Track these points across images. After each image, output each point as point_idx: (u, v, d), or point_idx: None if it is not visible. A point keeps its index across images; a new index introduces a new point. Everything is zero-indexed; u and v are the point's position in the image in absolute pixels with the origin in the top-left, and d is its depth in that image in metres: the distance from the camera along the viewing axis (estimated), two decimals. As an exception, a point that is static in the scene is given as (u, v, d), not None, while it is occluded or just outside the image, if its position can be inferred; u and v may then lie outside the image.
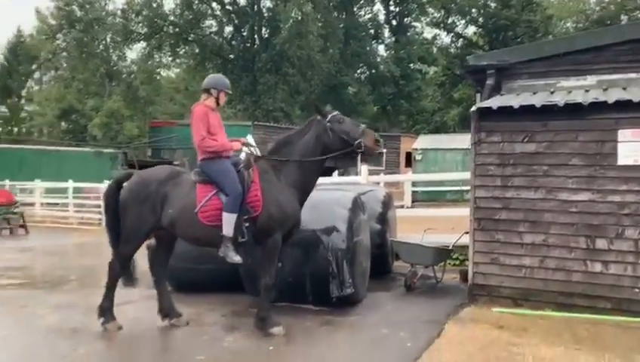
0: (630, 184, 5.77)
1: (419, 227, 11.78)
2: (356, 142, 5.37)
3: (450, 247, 7.57)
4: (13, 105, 49.23)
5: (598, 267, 5.89)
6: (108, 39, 30.90)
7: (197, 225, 5.23)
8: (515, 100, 6.32)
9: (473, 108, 6.38)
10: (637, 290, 5.72)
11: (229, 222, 5.19)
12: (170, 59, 38.06)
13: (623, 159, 5.81)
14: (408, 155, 28.95)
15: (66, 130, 28.68)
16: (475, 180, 6.48)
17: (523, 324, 5.62)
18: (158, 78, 45.32)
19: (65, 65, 29.46)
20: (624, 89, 6.20)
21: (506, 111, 6.20)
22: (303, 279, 6.09)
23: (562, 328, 5.48)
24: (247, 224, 5.26)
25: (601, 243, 5.89)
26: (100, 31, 29.48)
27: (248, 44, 34.31)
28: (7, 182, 18.74)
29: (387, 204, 8.20)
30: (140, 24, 32.60)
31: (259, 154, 5.79)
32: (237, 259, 5.23)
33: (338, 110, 5.77)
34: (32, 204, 18.38)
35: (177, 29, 33.31)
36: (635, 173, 5.75)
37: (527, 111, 6.11)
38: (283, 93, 33.72)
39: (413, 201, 19.10)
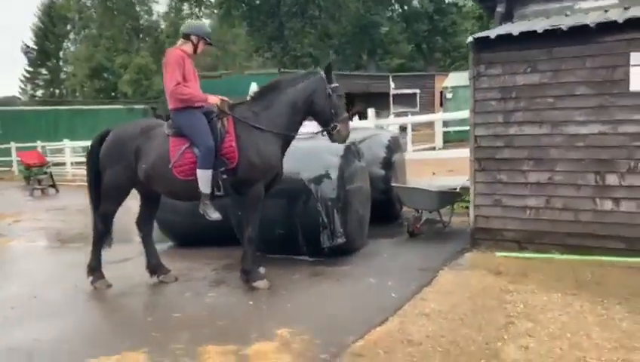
0: (644, 112, 5.21)
1: (444, 169, 11.49)
2: (334, 123, 5.19)
3: (458, 190, 7.19)
4: (52, 68, 50.31)
5: (608, 205, 5.43)
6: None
7: (172, 179, 5.07)
8: (517, 27, 5.74)
9: (470, 39, 5.84)
10: (651, 228, 5.25)
11: (203, 179, 5.01)
12: (197, 9, 37.71)
13: (636, 85, 5.22)
14: (442, 95, 27.97)
15: (98, 89, 29.04)
16: (475, 117, 6.02)
17: (524, 269, 5.29)
18: None
19: (92, 24, 29.49)
20: (648, 6, 5.54)
21: (506, 40, 5.66)
22: (295, 230, 5.91)
23: (566, 272, 5.12)
24: (225, 176, 5.07)
25: (611, 179, 5.40)
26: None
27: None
28: (38, 143, 19.20)
29: (392, 148, 7.83)
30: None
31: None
32: (215, 216, 5.08)
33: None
34: (63, 164, 18.82)
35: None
36: (650, 100, 5.18)
37: (529, 38, 5.56)
38: (311, 38, 32.89)
39: (445, 142, 18.47)
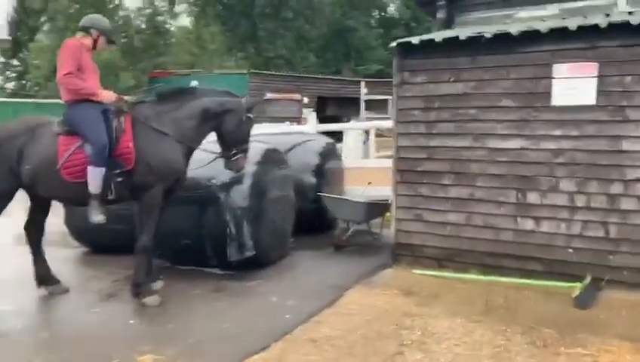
0: (566, 128, 4.95)
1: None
2: (235, 150, 4.99)
3: (390, 201, 6.86)
4: (24, 60, 48.99)
5: (529, 224, 5.16)
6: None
7: (60, 182, 4.65)
8: (442, 34, 5.45)
9: (393, 44, 5.54)
10: (571, 251, 4.99)
11: (94, 178, 4.60)
12: (170, 5, 37.03)
13: (557, 99, 4.96)
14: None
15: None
16: (398, 127, 5.71)
17: (438, 290, 4.99)
18: (167, 27, 44.23)
19: (59, 16, 28.71)
20: (585, 17, 5.30)
21: (430, 47, 5.37)
22: (203, 241, 5.52)
23: (478, 294, 4.82)
24: (120, 179, 4.67)
25: (532, 197, 5.13)
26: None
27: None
28: None
29: (326, 155, 7.50)
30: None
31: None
32: (99, 218, 4.68)
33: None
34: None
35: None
36: (571, 115, 4.92)
37: (454, 46, 5.27)
38: (286, 40, 32.51)
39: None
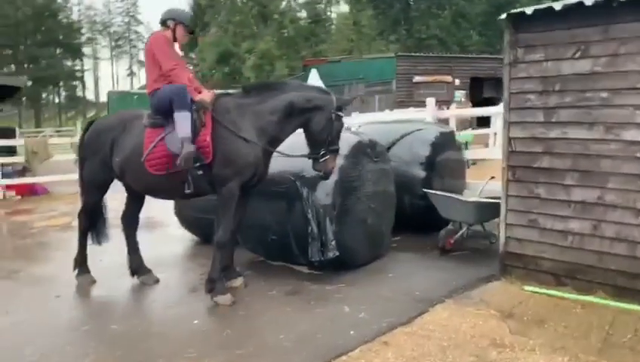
0: None
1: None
2: (324, 150, 4.63)
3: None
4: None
5: (678, 239, 3.99)
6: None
7: (144, 174, 4.67)
8: (564, 0, 4.42)
9: (503, 16, 4.64)
10: None
11: (181, 122, 4.48)
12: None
13: None
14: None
15: (226, 74, 30.30)
16: (510, 115, 4.80)
17: (547, 314, 4.10)
18: (328, 14, 45.42)
19: (222, 10, 30.75)
20: None
21: (549, 17, 4.40)
22: (288, 238, 5.23)
23: (599, 325, 3.85)
24: (200, 172, 4.56)
25: (684, 205, 3.94)
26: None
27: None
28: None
29: (440, 145, 6.72)
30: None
31: None
32: (190, 148, 4.46)
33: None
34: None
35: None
36: None
37: (579, 13, 4.24)
38: (440, 20, 31.05)
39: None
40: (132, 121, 4.86)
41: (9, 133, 13.15)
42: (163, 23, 4.88)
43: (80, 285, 5.24)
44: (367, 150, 5.47)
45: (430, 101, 7.92)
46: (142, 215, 5.43)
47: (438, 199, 5.98)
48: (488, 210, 5.79)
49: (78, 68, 65.20)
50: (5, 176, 11.96)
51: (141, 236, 5.44)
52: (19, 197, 11.65)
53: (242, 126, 4.55)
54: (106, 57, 75.39)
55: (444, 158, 6.79)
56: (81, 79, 66.39)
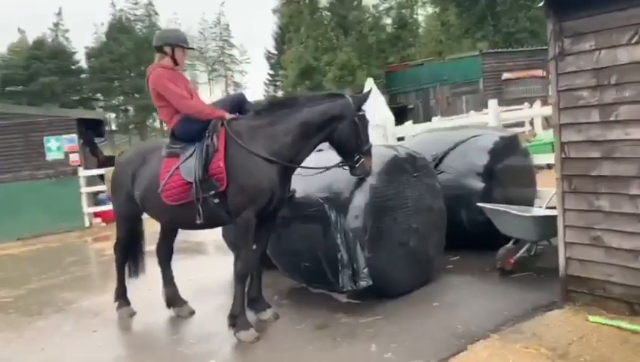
0: None
1: None
2: (358, 155, 4.40)
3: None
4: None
5: None
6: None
7: (162, 206, 4.55)
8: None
9: (541, 3, 3.99)
10: None
11: None
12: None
13: None
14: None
15: (308, 88, 30.49)
16: (561, 116, 4.11)
17: (613, 353, 3.40)
18: (415, 17, 44.55)
19: (302, 26, 31.02)
20: None
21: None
22: (321, 265, 4.86)
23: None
24: (216, 200, 4.35)
25: None
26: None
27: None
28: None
29: (502, 152, 6.03)
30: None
31: None
32: None
33: None
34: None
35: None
36: None
37: (635, -12, 3.52)
38: (530, 11, 29.18)
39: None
40: (151, 153, 4.77)
41: (113, 162, 14.02)
42: (159, 49, 4.68)
43: (120, 317, 5.23)
44: (404, 165, 4.97)
45: (492, 103, 7.19)
46: (190, 238, 5.33)
47: (493, 213, 5.31)
48: (553, 225, 5.03)
49: (178, 93, 69.12)
50: (100, 203, 12.68)
51: (185, 262, 5.37)
52: (104, 224, 12.26)
53: (255, 150, 4.28)
54: (203, 81, 79.38)
55: (506, 166, 6.08)
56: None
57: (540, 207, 5.68)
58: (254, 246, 4.57)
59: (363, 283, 4.54)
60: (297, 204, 4.87)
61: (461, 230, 5.84)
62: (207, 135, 4.44)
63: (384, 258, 4.69)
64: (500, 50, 25.58)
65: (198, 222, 4.40)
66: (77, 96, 55.25)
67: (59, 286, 7.01)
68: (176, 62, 4.68)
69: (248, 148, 4.28)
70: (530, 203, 6.30)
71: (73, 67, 55.52)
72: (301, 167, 4.50)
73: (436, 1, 34.93)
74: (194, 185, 4.28)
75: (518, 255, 5.20)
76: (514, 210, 5.33)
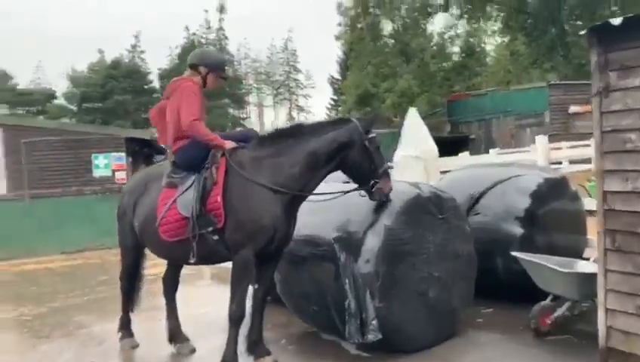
0: None
1: None
2: (373, 180, 4.10)
3: None
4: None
5: None
6: (400, 19, 31.18)
7: (159, 241, 4.29)
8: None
9: (583, 31, 3.48)
10: None
11: None
12: (475, 24, 36.19)
13: None
14: None
15: (365, 114, 30.20)
16: (604, 161, 3.55)
17: None
18: (483, 46, 43.75)
19: (362, 53, 30.86)
20: None
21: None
22: (329, 310, 4.44)
23: None
24: (215, 237, 4.06)
25: None
26: (391, 10, 30.00)
27: (553, -10, 29.33)
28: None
29: (543, 195, 5.42)
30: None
31: None
32: None
33: None
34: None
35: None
36: None
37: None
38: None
39: None
40: (153, 181, 4.51)
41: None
42: (193, 67, 4.46)
43: (122, 349, 5.01)
44: (427, 205, 4.50)
45: (541, 140, 6.57)
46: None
47: (530, 265, 4.72)
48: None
49: (243, 115, 70.83)
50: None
51: (197, 292, 5.11)
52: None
53: (259, 181, 3.96)
54: (268, 104, 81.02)
55: (551, 210, 5.46)
56: (244, 125, 72.09)
57: (588, 260, 5.03)
58: (256, 286, 4.25)
59: (371, 337, 4.09)
60: (307, 241, 4.51)
61: (496, 279, 5.28)
62: (206, 166, 4.17)
63: (398, 309, 4.22)
64: (568, 82, 24.30)
65: (191, 261, 4.11)
66: (148, 115, 57.75)
67: (79, 306, 6.94)
68: (205, 84, 4.45)
69: (248, 184, 3.97)
70: (578, 253, 5.63)
71: (146, 87, 58.03)
72: (313, 193, 4.16)
73: (505, 30, 33.80)
74: (190, 220, 4.00)
75: (556, 314, 4.57)
76: (554, 262, 4.72)
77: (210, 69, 4.44)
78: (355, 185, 4.21)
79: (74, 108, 53.91)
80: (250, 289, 4.23)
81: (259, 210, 3.93)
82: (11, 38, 68.79)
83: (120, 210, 4.79)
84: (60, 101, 56.61)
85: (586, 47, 3.57)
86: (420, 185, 4.70)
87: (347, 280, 4.18)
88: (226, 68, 4.62)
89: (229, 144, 4.24)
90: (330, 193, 4.24)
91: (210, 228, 4.02)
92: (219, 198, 3.99)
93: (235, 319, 4.02)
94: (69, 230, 11.62)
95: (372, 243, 4.17)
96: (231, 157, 4.14)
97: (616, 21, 3.22)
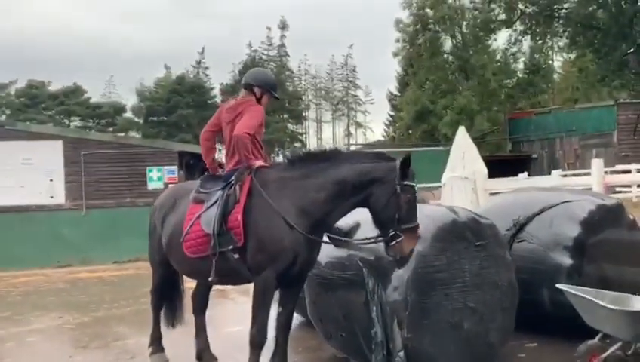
0: None
1: None
2: (395, 231, 3.69)
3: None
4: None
5: None
6: (460, 35, 30.67)
7: (183, 257, 4.25)
8: None
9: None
10: None
11: None
12: (540, 41, 35.12)
13: None
14: None
15: (423, 131, 29.78)
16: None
17: None
18: (549, 62, 42.67)
19: (420, 70, 30.55)
20: None
21: None
22: (357, 337, 4.26)
23: None
24: (236, 256, 3.98)
25: None
26: (451, 27, 29.58)
27: (624, 5, 27.97)
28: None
29: (595, 223, 5.03)
30: (498, 10, 30.91)
31: None
32: None
33: None
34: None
35: (537, 8, 30.05)
36: None
37: None
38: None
39: None
40: (183, 196, 4.50)
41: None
42: (248, 87, 4.47)
43: (152, 364, 5.00)
44: (464, 231, 4.24)
45: (597, 163, 6.14)
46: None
47: (577, 300, 4.36)
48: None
49: (301, 131, 71.57)
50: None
51: (231, 308, 5.05)
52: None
53: (279, 204, 3.85)
54: (327, 120, 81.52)
55: (605, 240, 5.03)
56: (302, 141, 72.80)
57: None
58: (280, 309, 4.13)
59: (397, 368, 3.87)
60: (336, 264, 4.36)
61: (542, 312, 4.95)
62: (230, 182, 4.12)
63: (428, 340, 3.98)
64: (638, 100, 23.05)
65: (210, 279, 4.05)
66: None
67: (120, 317, 7.07)
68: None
69: (273, 201, 3.86)
70: (635, 287, 5.16)
71: (209, 101, 59.86)
72: (324, 242, 4.01)
73: (572, 46, 32.56)
74: (212, 237, 3.95)
75: (605, 355, 4.18)
76: (607, 297, 4.35)
77: (263, 90, 4.46)
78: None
79: (140, 121, 56.26)
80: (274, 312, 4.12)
81: (279, 231, 3.82)
82: (84, 53, 72.88)
83: (151, 226, 4.82)
84: (129, 115, 59.31)
85: None
86: (456, 209, 4.46)
87: (374, 308, 3.99)
88: (277, 88, 4.68)
89: (259, 163, 4.19)
90: (340, 239, 4.06)
91: (231, 247, 3.95)
92: (239, 217, 3.92)
93: (256, 344, 3.91)
94: (123, 240, 11.97)
95: (402, 269, 3.97)
96: (257, 175, 4.06)
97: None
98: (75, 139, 12.13)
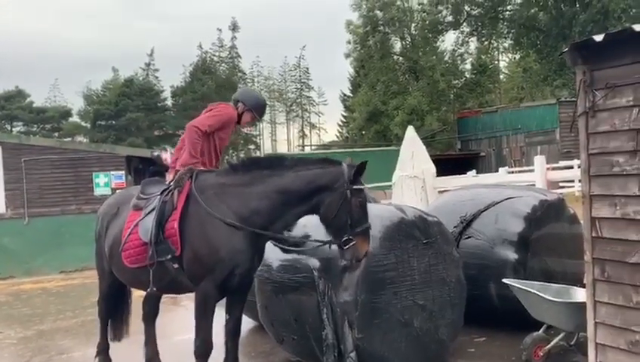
0: None
1: None
2: (347, 237, 3.59)
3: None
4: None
5: None
6: (409, 37, 31.18)
7: (123, 266, 4.11)
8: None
9: (565, 49, 3.30)
10: None
11: None
12: (485, 42, 36.11)
13: None
14: None
15: (375, 131, 30.12)
16: (591, 185, 3.34)
17: None
18: (495, 63, 43.76)
19: (371, 71, 30.90)
20: None
21: (636, 41, 2.99)
22: (309, 340, 4.25)
23: None
24: (175, 265, 3.85)
25: None
26: (400, 28, 30.01)
27: (563, 8, 29.12)
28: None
29: (538, 218, 5.19)
30: (445, 12, 31.60)
31: None
32: None
33: None
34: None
35: (482, 10, 30.91)
36: None
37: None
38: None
39: None
40: (126, 203, 4.36)
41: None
42: (235, 102, 4.57)
43: (97, 377, 4.82)
44: (412, 230, 4.29)
45: (539, 160, 6.35)
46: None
47: (521, 293, 4.48)
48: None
49: (255, 133, 71.03)
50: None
51: (183, 314, 4.90)
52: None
53: (217, 210, 3.74)
54: (281, 121, 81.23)
55: (548, 234, 5.22)
56: (256, 143, 72.34)
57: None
58: (227, 317, 4.04)
59: (349, 369, 3.86)
60: (287, 266, 4.33)
61: (490, 306, 5.06)
62: (169, 188, 4.01)
63: (379, 340, 4.01)
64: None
65: (148, 289, 3.94)
66: (160, 132, 58.11)
67: (66, 329, 6.81)
68: (239, 121, 4.54)
69: (210, 208, 3.75)
70: (577, 279, 5.35)
71: (159, 104, 58.58)
72: (276, 242, 3.97)
73: (516, 47, 33.63)
74: (149, 246, 3.83)
75: (549, 346, 4.32)
76: (550, 290, 4.50)
77: (246, 108, 4.51)
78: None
79: (88, 125, 54.52)
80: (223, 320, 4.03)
81: (216, 241, 3.71)
82: (26, 56, 70.04)
83: (96, 233, 4.65)
84: (75, 119, 57.35)
85: (570, 64, 3.38)
86: (404, 207, 4.50)
87: (325, 309, 3.98)
88: (263, 111, 4.78)
89: (191, 163, 4.07)
90: (293, 238, 4.02)
91: (169, 256, 3.82)
92: (175, 225, 3.79)
93: (200, 354, 3.81)
94: (69, 249, 11.54)
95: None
96: (196, 181, 3.96)
97: (599, 37, 3.04)
98: (15, 145, 11.60)
